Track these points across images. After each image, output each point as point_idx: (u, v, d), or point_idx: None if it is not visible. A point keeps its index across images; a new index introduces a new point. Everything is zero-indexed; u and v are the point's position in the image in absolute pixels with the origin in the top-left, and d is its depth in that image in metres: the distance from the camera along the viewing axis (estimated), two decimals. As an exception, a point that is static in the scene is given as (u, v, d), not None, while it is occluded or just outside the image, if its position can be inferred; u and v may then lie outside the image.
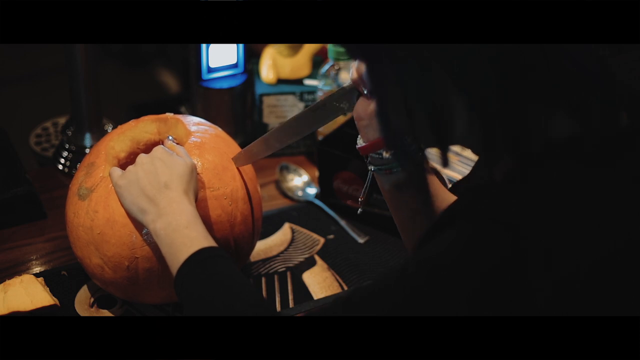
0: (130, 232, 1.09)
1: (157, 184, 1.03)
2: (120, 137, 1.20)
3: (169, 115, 1.23)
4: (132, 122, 1.22)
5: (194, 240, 0.97)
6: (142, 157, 1.08)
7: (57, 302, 1.18)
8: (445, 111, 0.76)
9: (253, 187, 1.19)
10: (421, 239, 0.82)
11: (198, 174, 1.11)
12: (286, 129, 1.09)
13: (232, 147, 1.20)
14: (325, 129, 1.48)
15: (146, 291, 1.14)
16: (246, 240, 1.18)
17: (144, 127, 1.22)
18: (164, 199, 1.02)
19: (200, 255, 0.95)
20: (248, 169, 1.20)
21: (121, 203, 1.08)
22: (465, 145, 0.80)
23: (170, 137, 1.17)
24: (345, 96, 1.03)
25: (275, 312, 0.92)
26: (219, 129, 1.23)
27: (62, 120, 1.64)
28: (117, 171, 1.10)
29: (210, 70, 1.50)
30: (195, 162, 1.11)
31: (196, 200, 1.06)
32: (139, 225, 1.09)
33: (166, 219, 1.00)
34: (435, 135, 0.78)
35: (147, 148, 1.21)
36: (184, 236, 0.97)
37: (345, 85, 1.04)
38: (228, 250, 1.14)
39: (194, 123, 1.21)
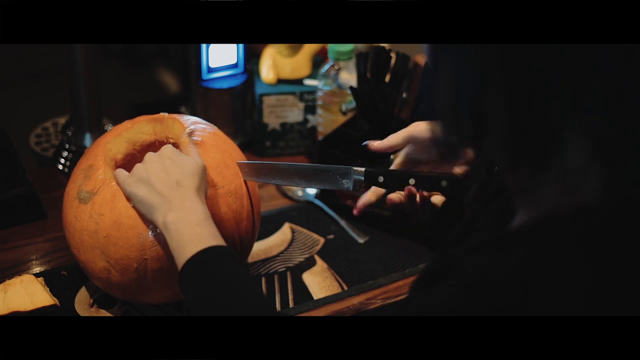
0: (138, 233, 1.09)
1: (169, 181, 1.03)
2: (117, 139, 1.20)
3: (165, 115, 1.22)
4: (126, 123, 1.22)
5: (203, 238, 0.97)
6: (150, 156, 1.07)
7: (57, 302, 1.18)
8: (486, 115, 0.73)
9: (252, 183, 1.19)
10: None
11: None
12: (288, 171, 1.14)
13: (229, 145, 1.20)
14: (325, 129, 1.48)
15: (152, 292, 1.13)
16: (250, 236, 1.18)
17: (139, 128, 1.21)
18: (177, 196, 1.01)
19: (207, 253, 0.96)
20: None
21: (131, 203, 1.08)
22: (496, 157, 0.78)
23: (188, 130, 1.17)
24: (349, 177, 1.08)
25: (277, 315, 0.92)
26: (215, 127, 1.23)
27: (62, 120, 1.64)
28: (123, 172, 1.10)
29: (210, 70, 1.50)
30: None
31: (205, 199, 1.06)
32: (147, 226, 1.09)
33: (177, 214, 1.00)
34: (474, 134, 0.76)
35: (144, 149, 1.20)
36: (193, 233, 0.98)
37: (355, 168, 1.07)
38: (234, 248, 1.14)
39: (191, 122, 1.21)
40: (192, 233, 0.97)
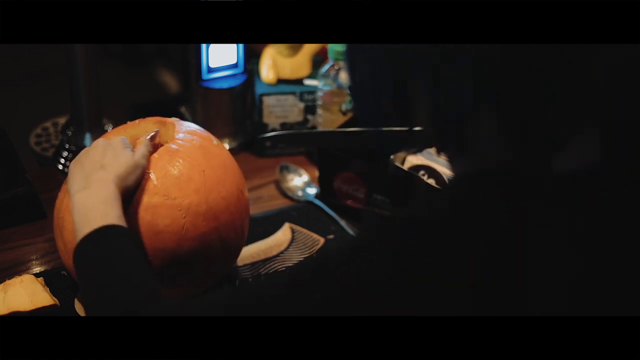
0: None
1: (97, 164, 1.04)
2: (122, 133, 1.20)
3: (171, 120, 1.20)
4: (136, 121, 1.22)
5: (104, 216, 0.97)
6: (98, 141, 1.09)
7: (57, 302, 1.18)
8: (410, 96, 0.78)
9: (230, 207, 1.14)
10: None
11: (155, 179, 1.09)
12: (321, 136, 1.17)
13: (211, 161, 1.14)
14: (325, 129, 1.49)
15: None
16: (199, 259, 1.12)
17: (145, 127, 1.21)
18: (95, 176, 1.02)
19: (103, 231, 0.95)
20: (235, 190, 1.16)
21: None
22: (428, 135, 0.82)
23: (152, 134, 1.15)
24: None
25: (160, 297, 0.92)
26: (213, 142, 1.18)
27: (62, 120, 1.64)
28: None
29: (210, 70, 1.50)
30: (173, 170, 1.10)
31: (131, 200, 1.07)
32: None
33: (86, 192, 1.00)
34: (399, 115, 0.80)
35: None
36: (96, 210, 0.98)
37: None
38: (170, 265, 1.10)
39: (185, 131, 1.17)
40: (94, 211, 0.98)
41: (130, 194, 1.07)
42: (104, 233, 0.95)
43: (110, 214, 0.97)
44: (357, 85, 0.83)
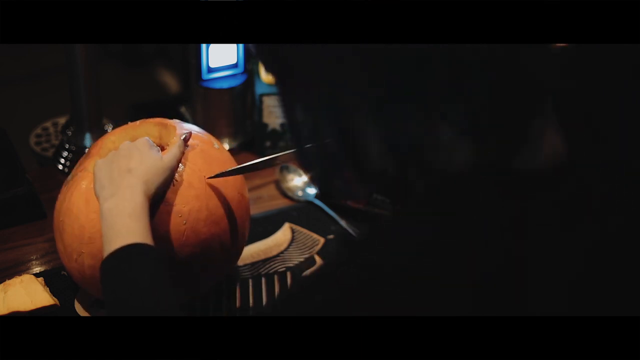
0: (80, 225, 1.10)
1: (124, 167, 1.03)
2: (122, 134, 1.20)
3: (172, 121, 1.20)
4: (137, 122, 1.22)
5: (130, 232, 0.96)
6: (124, 144, 1.08)
7: (57, 302, 1.18)
8: (357, 135, 0.75)
9: (231, 212, 1.14)
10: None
11: None
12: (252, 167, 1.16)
13: (213, 167, 1.14)
14: (325, 129, 1.49)
15: (91, 286, 1.14)
16: (200, 263, 1.12)
17: (146, 128, 1.21)
18: (122, 182, 1.01)
19: (130, 249, 0.95)
20: (236, 194, 1.16)
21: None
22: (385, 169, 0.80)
23: (185, 135, 1.15)
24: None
25: (178, 313, 0.93)
26: (214, 145, 1.18)
27: (62, 120, 1.64)
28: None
29: (210, 70, 1.50)
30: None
31: (160, 202, 1.06)
32: (87, 222, 1.10)
33: (114, 201, 0.99)
34: (348, 158, 0.77)
35: None
36: (123, 224, 0.97)
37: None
38: (171, 269, 1.07)
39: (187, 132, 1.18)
40: (121, 224, 0.97)
41: (160, 196, 1.07)
42: (127, 252, 0.95)
43: (135, 230, 0.96)
44: (297, 126, 0.79)
